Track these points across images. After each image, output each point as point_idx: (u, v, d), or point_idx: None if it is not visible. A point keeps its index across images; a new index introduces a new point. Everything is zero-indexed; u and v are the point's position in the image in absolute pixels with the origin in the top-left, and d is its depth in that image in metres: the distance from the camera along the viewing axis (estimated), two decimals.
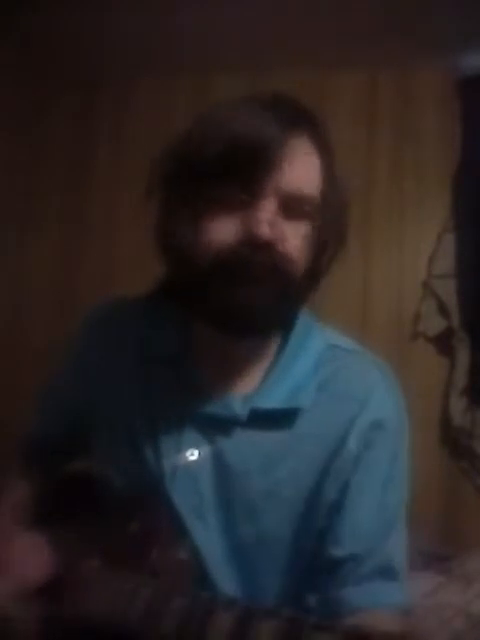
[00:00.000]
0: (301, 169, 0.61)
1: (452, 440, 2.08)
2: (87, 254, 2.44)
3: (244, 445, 0.67)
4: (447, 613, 1.45)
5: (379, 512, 0.67)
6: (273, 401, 0.67)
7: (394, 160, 2.23)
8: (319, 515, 0.66)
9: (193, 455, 0.68)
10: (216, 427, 0.68)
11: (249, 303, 0.60)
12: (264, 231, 0.58)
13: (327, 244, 0.65)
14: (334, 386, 0.69)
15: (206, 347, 0.70)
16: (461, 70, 2.14)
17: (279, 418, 0.67)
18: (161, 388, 0.71)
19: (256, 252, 0.59)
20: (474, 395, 2.03)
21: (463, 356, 2.05)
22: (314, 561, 0.67)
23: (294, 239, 0.62)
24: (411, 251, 2.19)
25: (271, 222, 0.59)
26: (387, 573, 0.66)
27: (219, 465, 0.68)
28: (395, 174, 2.22)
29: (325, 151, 0.64)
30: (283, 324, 0.68)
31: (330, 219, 0.64)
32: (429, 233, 2.14)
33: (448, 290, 2.08)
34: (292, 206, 0.61)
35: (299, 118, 0.62)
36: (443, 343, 2.11)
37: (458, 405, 2.04)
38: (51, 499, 0.80)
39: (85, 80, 2.46)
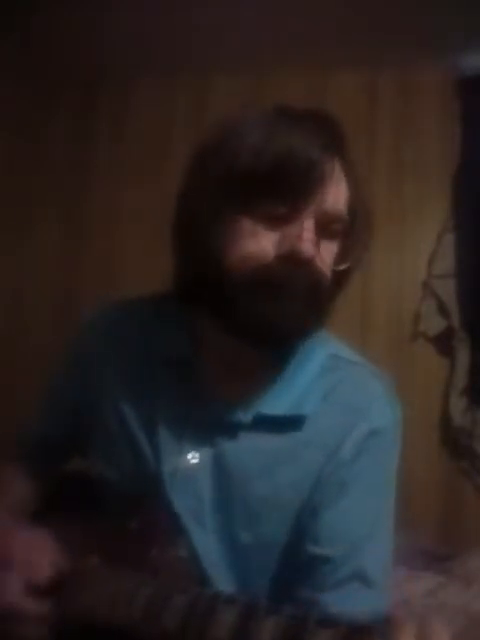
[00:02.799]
0: (337, 189, 0.62)
1: (452, 440, 2.08)
2: (87, 254, 2.44)
3: (246, 450, 0.67)
4: (447, 613, 1.45)
5: (359, 517, 0.67)
6: (278, 408, 0.67)
7: (394, 160, 2.23)
8: (306, 515, 0.67)
9: (194, 458, 0.68)
10: (219, 431, 0.68)
11: (281, 318, 0.60)
12: (308, 249, 0.58)
13: (351, 260, 0.66)
14: (336, 396, 0.70)
15: (214, 351, 0.69)
16: (461, 70, 2.14)
17: (283, 424, 0.67)
18: (165, 390, 0.70)
19: (296, 269, 0.59)
20: (474, 395, 2.03)
21: (463, 356, 2.05)
22: (295, 560, 0.67)
23: (327, 257, 0.63)
24: (411, 251, 2.19)
25: (312, 238, 0.59)
26: (363, 579, 0.66)
27: (220, 469, 0.68)
28: (395, 174, 2.22)
29: (351, 169, 0.65)
30: (308, 337, 0.68)
31: (355, 237, 0.65)
32: (429, 233, 2.14)
33: (448, 290, 2.08)
34: (327, 225, 0.62)
35: (336, 137, 0.63)
36: (443, 343, 2.11)
37: (458, 405, 2.04)
38: (50, 498, 0.80)
39: (85, 80, 2.47)
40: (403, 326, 2.15)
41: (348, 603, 0.64)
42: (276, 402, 0.67)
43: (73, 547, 0.65)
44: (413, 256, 2.18)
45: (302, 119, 0.62)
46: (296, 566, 0.67)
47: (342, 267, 0.65)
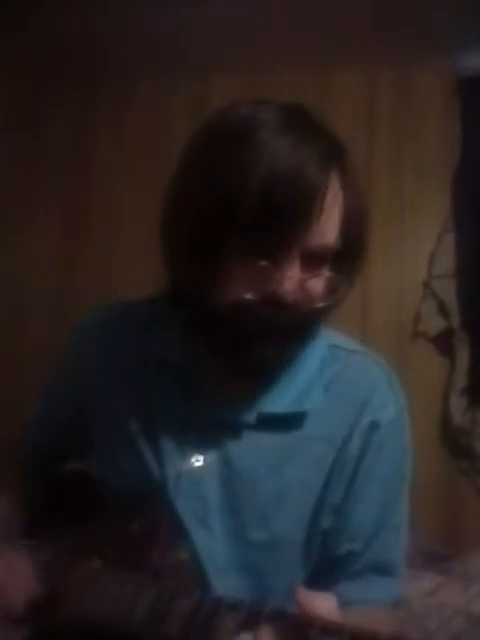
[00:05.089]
0: (328, 219, 0.57)
1: (452, 440, 2.08)
2: (87, 254, 2.44)
3: (252, 449, 0.67)
4: (447, 613, 1.45)
5: (377, 510, 0.68)
6: (280, 405, 0.67)
7: (394, 160, 2.23)
8: (324, 515, 0.67)
9: (198, 461, 0.67)
10: (223, 432, 0.67)
11: (264, 356, 0.59)
12: (289, 292, 0.56)
13: (340, 293, 0.62)
14: (338, 387, 0.69)
15: (211, 353, 0.69)
16: (461, 70, 2.14)
17: (286, 422, 0.67)
18: (164, 393, 0.70)
19: (279, 312, 0.56)
20: (474, 395, 2.03)
21: (463, 356, 2.05)
22: (311, 557, 0.68)
23: (316, 287, 0.59)
24: (411, 251, 2.19)
25: (296, 280, 0.57)
26: (381, 568, 0.68)
27: (226, 470, 0.67)
28: (395, 174, 2.22)
29: (350, 178, 0.60)
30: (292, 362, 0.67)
31: (345, 267, 0.62)
32: (429, 233, 2.14)
33: (448, 290, 2.08)
34: (314, 259, 0.58)
35: (334, 153, 0.59)
36: (443, 343, 2.11)
37: (458, 405, 2.04)
38: (50, 500, 0.80)
39: (85, 80, 2.47)
40: (403, 326, 2.15)
41: (364, 593, 0.65)
42: (278, 400, 0.67)
43: (74, 550, 0.65)
44: (413, 256, 2.18)
45: (297, 130, 0.56)
46: (312, 562, 0.68)
47: (329, 302, 0.61)
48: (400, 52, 2.11)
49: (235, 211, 0.53)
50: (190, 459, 0.67)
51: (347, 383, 0.70)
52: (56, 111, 2.51)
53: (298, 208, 0.54)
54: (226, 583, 0.66)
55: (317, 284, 0.59)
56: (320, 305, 0.60)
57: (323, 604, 0.44)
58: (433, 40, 2.01)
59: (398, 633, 0.41)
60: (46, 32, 2.11)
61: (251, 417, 0.66)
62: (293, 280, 0.56)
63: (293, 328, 0.59)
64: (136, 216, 2.28)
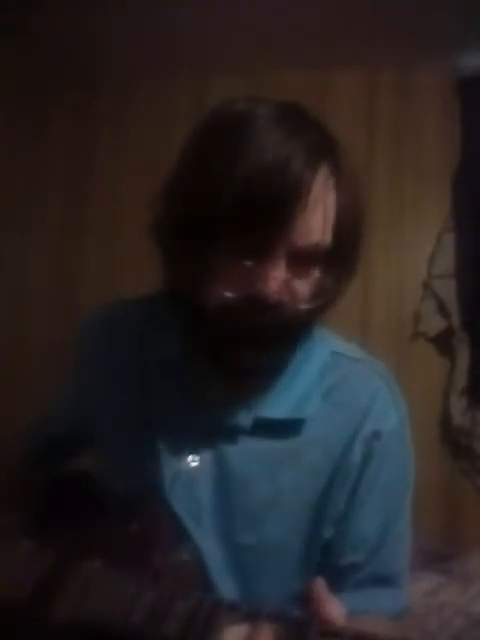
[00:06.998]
0: (315, 216, 0.55)
1: (452, 440, 2.08)
2: (87, 254, 2.44)
3: (247, 453, 0.66)
4: (447, 613, 1.46)
5: (380, 520, 0.67)
6: (278, 411, 0.66)
7: (394, 160, 2.24)
8: (326, 525, 0.66)
9: (194, 461, 0.67)
10: (219, 434, 0.67)
11: (250, 358, 0.59)
12: (274, 292, 0.54)
13: (330, 294, 0.61)
14: (338, 395, 0.68)
15: (209, 353, 0.69)
16: (461, 70, 2.14)
17: (284, 427, 0.66)
18: (164, 393, 0.70)
19: (264, 312, 0.55)
20: (474, 395, 2.04)
21: (463, 356, 2.05)
22: (312, 567, 0.67)
23: (303, 287, 0.58)
24: (411, 251, 2.19)
25: (281, 279, 0.55)
26: (385, 580, 0.67)
27: (220, 472, 0.67)
28: (395, 174, 2.22)
29: (343, 180, 0.58)
30: (285, 361, 0.66)
31: (336, 268, 0.60)
32: (429, 233, 2.15)
33: (448, 290, 2.08)
34: (302, 258, 0.56)
35: (325, 148, 0.57)
36: (443, 343, 2.11)
37: (458, 405, 2.04)
38: (50, 500, 0.80)
39: (85, 80, 2.47)
40: (403, 326, 2.15)
41: (365, 604, 0.64)
42: (276, 405, 0.66)
43: (74, 550, 0.65)
44: (413, 256, 2.18)
45: (288, 124, 0.55)
46: (312, 573, 0.66)
47: (318, 303, 0.60)
48: (400, 52, 2.11)
49: (218, 204, 0.52)
50: (187, 459, 0.67)
51: (348, 391, 0.69)
52: (56, 111, 2.51)
53: (281, 201, 0.52)
54: (223, 584, 0.66)
55: (304, 285, 0.58)
56: (307, 307, 0.58)
57: (334, 607, 0.44)
58: (433, 40, 2.01)
59: (399, 637, 0.41)
60: (46, 32, 2.11)
61: (247, 421, 0.66)
62: (278, 280, 0.55)
63: (279, 330, 0.58)
64: (136, 216, 2.29)
